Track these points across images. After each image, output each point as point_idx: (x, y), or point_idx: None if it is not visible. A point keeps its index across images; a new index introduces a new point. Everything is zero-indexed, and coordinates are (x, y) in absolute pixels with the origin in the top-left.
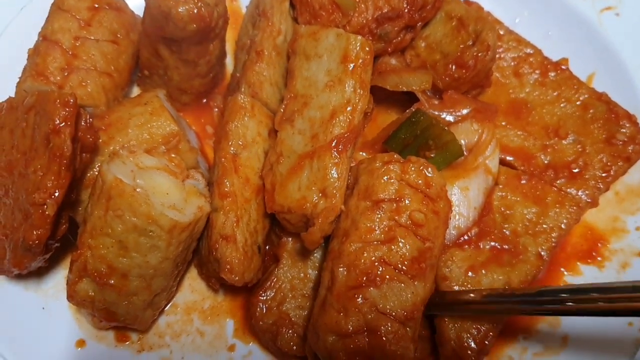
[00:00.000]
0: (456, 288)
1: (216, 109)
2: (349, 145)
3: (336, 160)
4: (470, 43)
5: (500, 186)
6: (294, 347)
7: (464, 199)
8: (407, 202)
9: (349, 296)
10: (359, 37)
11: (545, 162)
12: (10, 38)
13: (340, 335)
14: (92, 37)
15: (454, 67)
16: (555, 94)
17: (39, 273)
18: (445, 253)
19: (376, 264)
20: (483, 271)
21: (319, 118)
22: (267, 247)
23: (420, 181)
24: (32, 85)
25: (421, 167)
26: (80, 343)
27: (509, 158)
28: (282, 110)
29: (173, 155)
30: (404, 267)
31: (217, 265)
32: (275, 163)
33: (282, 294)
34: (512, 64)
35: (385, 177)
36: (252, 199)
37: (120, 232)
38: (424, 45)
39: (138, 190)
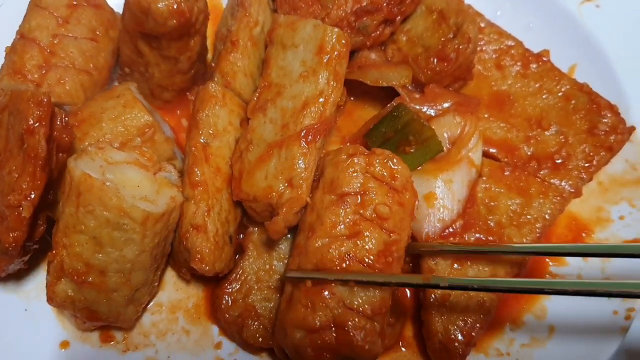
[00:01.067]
0: None
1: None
2: (319, 137)
3: (304, 151)
4: (452, 36)
5: (484, 178)
6: (260, 339)
7: (447, 191)
8: (372, 195)
9: (316, 291)
10: (336, 29)
11: (529, 153)
12: None
13: (308, 330)
14: (71, 35)
15: (435, 60)
16: (537, 85)
17: (20, 274)
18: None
19: (343, 259)
20: (469, 263)
21: (291, 108)
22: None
23: (385, 173)
24: (9, 84)
25: (386, 160)
26: (65, 344)
27: (492, 150)
28: (255, 98)
29: (145, 149)
30: (370, 262)
31: (188, 254)
32: (244, 151)
33: (247, 285)
34: (494, 56)
35: (350, 170)
36: (223, 189)
37: (94, 228)
38: (406, 39)
39: (107, 184)
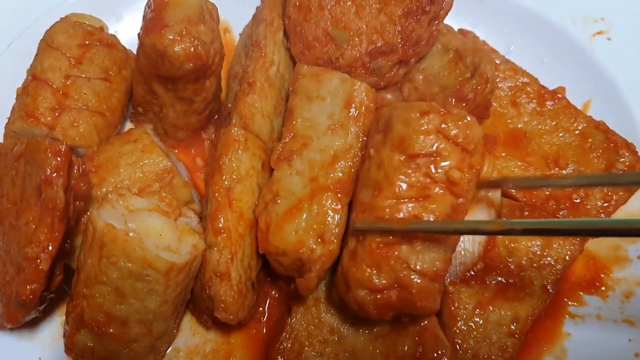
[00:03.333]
0: (464, 327)
1: (207, 141)
2: (349, 191)
3: (336, 206)
4: (469, 76)
5: (503, 219)
6: None
7: None
8: (445, 158)
9: (380, 254)
10: (364, 85)
11: (547, 193)
12: None
13: (372, 290)
14: (83, 75)
15: (453, 100)
16: (553, 123)
17: (34, 321)
18: (452, 289)
19: (409, 220)
20: (490, 307)
21: (320, 161)
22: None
23: (459, 134)
24: (21, 127)
25: (461, 120)
26: None
27: (510, 190)
28: (280, 149)
29: (164, 195)
30: None
31: (211, 303)
32: (270, 202)
33: (299, 343)
34: (509, 93)
35: (423, 129)
36: (246, 235)
37: (116, 279)
38: (422, 78)
39: (131, 234)
